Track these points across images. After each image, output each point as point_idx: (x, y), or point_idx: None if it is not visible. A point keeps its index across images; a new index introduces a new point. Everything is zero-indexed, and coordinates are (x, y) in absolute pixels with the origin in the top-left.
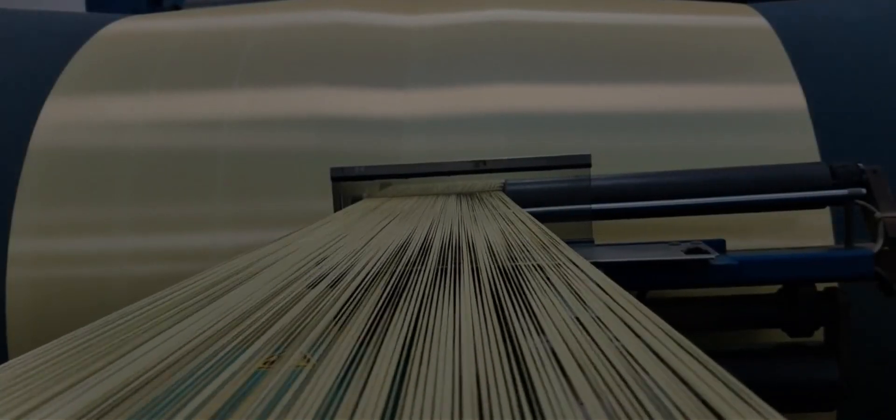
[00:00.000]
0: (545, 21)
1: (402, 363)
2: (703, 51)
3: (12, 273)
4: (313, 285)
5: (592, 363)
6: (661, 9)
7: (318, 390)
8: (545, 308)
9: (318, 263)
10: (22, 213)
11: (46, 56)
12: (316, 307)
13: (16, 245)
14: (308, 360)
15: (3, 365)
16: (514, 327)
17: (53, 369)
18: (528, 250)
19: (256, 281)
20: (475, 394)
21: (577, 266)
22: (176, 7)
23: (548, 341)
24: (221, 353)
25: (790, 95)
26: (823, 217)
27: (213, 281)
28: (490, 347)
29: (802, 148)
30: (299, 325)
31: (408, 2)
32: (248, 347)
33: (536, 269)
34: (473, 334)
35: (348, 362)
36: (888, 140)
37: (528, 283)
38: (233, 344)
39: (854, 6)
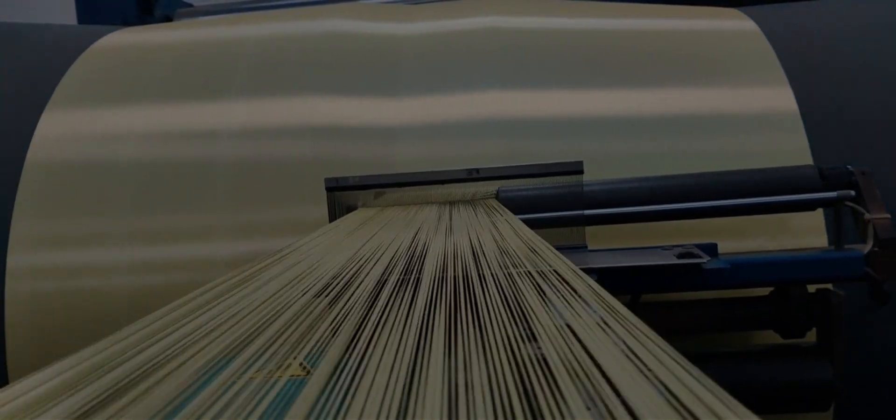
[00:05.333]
0: (537, 27)
1: None
2: (694, 55)
3: (11, 286)
4: None
5: None
6: (651, 13)
7: None
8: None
9: None
10: (20, 227)
11: (42, 69)
12: None
13: (14, 259)
14: (307, 371)
15: None
16: None
17: None
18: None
19: None
20: None
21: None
22: (167, 18)
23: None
24: None
25: (781, 98)
26: (816, 217)
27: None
28: None
29: (794, 150)
30: None
31: (401, 10)
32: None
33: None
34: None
35: None
36: (881, 140)
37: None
38: None
39: (842, 8)
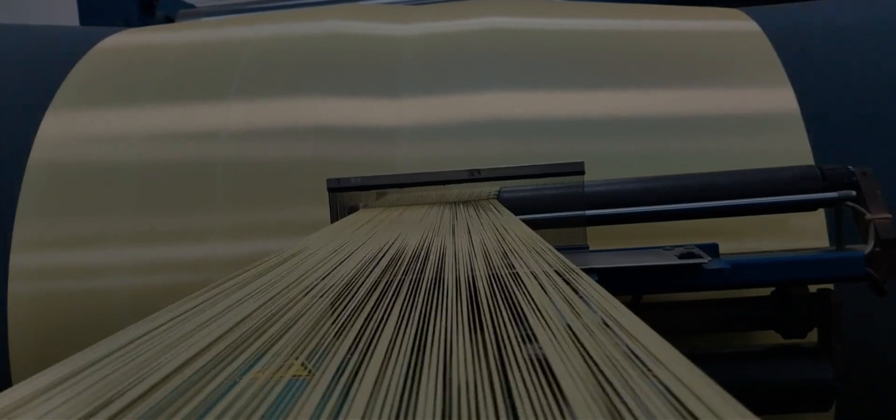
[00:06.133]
0: (537, 28)
1: None
2: (695, 55)
3: (13, 287)
4: None
5: None
6: (652, 14)
7: None
8: None
9: None
10: (22, 228)
11: (44, 70)
12: None
13: (17, 259)
14: (309, 372)
15: None
16: None
17: None
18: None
19: None
20: None
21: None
22: (169, 20)
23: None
24: None
25: (783, 98)
26: (817, 218)
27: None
28: None
29: (796, 150)
30: None
31: (401, 11)
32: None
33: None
34: None
35: None
36: (881, 140)
37: None
38: None
39: (844, 9)
